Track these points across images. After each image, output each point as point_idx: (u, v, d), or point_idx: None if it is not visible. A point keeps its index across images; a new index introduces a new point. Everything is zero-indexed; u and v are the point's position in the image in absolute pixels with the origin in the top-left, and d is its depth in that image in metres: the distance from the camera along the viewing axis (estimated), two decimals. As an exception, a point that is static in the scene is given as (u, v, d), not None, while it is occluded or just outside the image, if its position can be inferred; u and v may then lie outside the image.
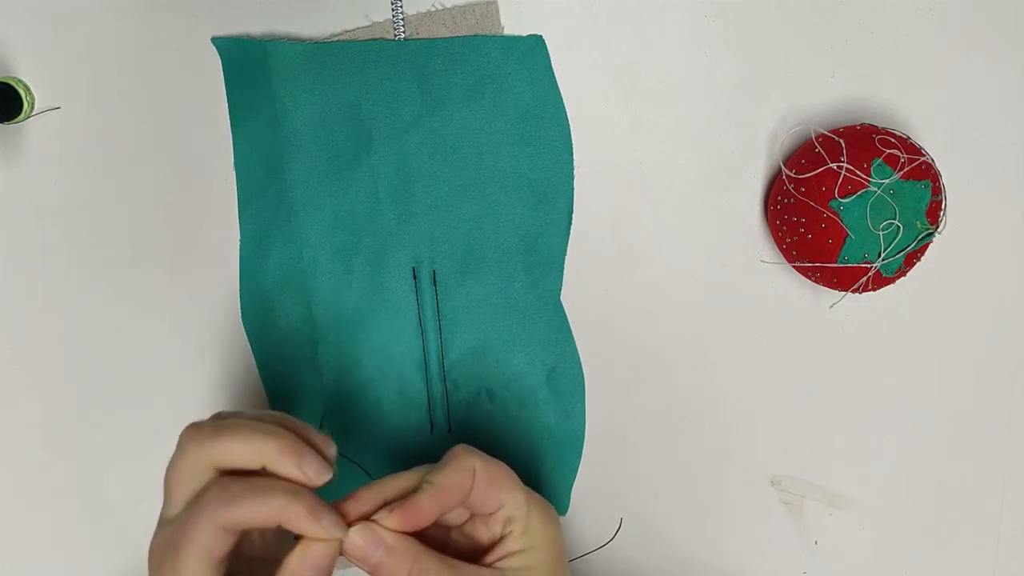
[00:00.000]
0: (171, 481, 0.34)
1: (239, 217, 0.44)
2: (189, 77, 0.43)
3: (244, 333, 0.45)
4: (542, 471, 0.45)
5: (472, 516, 0.37)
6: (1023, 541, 0.47)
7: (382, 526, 0.33)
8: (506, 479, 0.36)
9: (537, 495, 0.37)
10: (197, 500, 0.33)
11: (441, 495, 0.34)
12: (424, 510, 0.33)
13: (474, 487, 0.35)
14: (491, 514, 0.36)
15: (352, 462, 0.45)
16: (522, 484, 0.36)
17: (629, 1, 0.44)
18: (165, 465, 0.45)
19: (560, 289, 0.45)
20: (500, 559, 0.35)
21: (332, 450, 0.34)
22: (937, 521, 0.47)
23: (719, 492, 0.46)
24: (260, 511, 0.31)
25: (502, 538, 0.36)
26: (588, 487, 0.46)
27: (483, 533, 0.37)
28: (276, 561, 0.32)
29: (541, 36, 0.43)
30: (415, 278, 0.44)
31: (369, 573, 0.33)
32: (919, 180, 0.40)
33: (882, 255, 0.40)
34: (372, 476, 0.45)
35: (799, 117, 0.44)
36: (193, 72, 0.43)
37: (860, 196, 0.39)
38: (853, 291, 0.41)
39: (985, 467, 0.47)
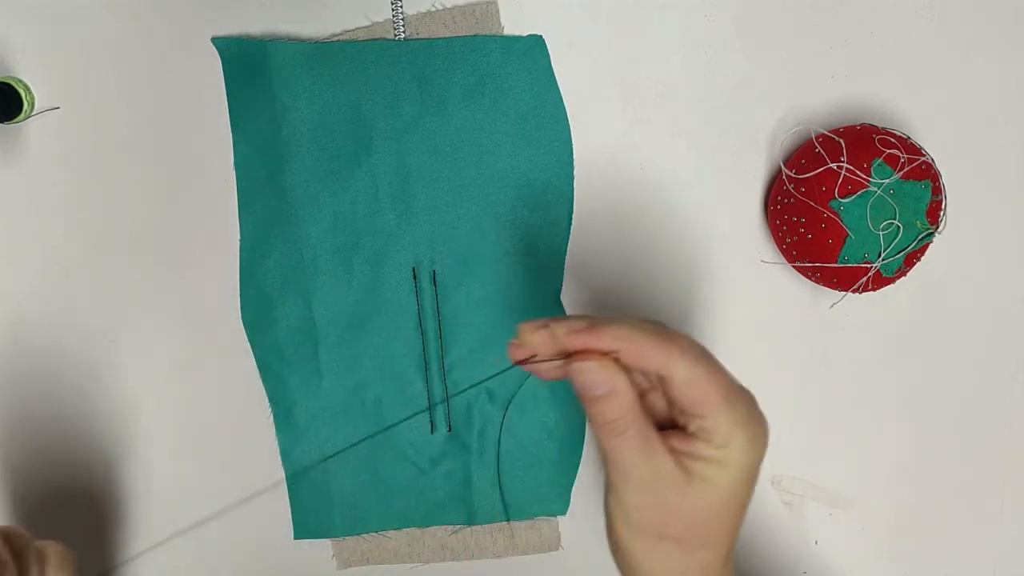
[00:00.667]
0: None
1: (239, 217, 0.44)
2: (189, 77, 0.43)
3: (244, 333, 0.45)
4: (542, 471, 0.45)
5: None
6: (1023, 541, 0.47)
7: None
8: (713, 396, 0.32)
9: (751, 414, 0.33)
10: None
11: (628, 347, 0.32)
12: (598, 337, 0.32)
13: (671, 382, 0.32)
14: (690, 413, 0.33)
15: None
16: (736, 401, 0.32)
17: (629, 1, 0.44)
18: (165, 465, 0.45)
19: (560, 289, 0.45)
20: (688, 455, 0.32)
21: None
22: (937, 521, 0.47)
23: (719, 492, 0.46)
24: None
25: (694, 435, 0.33)
26: (588, 487, 0.46)
27: (678, 416, 0.34)
28: None
29: (541, 36, 0.43)
30: (415, 278, 0.44)
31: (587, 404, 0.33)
32: (919, 180, 0.40)
33: (882, 255, 0.40)
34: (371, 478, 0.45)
35: (799, 117, 0.44)
36: (193, 72, 0.43)
37: (860, 196, 0.39)
38: (853, 291, 0.41)
39: (985, 467, 0.47)
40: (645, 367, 0.32)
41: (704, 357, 0.33)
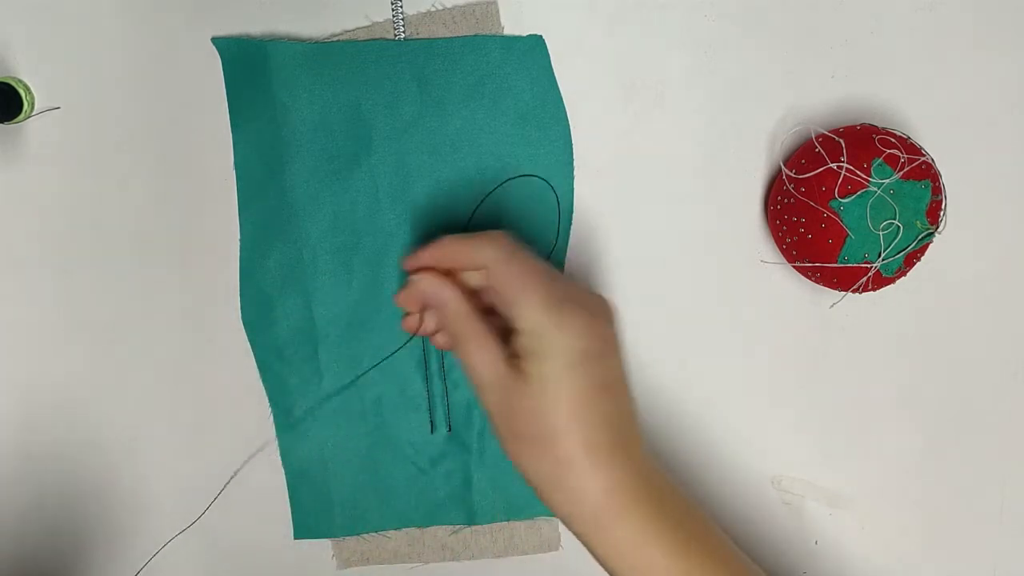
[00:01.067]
0: None
1: (239, 217, 0.44)
2: (189, 77, 0.43)
3: (244, 333, 0.45)
4: (542, 471, 0.45)
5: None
6: (1023, 541, 0.47)
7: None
8: (515, 280, 0.35)
9: (563, 300, 0.35)
10: None
11: (440, 255, 0.37)
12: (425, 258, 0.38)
13: (489, 277, 0.36)
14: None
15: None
16: (541, 287, 0.35)
17: (629, 1, 0.44)
18: (165, 465, 0.45)
19: (560, 289, 0.45)
20: (516, 354, 0.35)
21: None
22: (937, 521, 0.47)
23: (719, 492, 0.46)
24: None
25: (516, 332, 0.35)
26: (588, 487, 0.46)
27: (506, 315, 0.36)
28: None
29: (541, 36, 0.43)
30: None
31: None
32: (919, 180, 0.40)
33: (882, 255, 0.40)
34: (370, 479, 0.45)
35: (799, 117, 0.44)
36: (193, 72, 0.43)
37: (860, 196, 0.39)
38: (853, 291, 0.41)
39: (985, 467, 0.47)
40: (460, 264, 0.37)
41: (512, 248, 0.36)
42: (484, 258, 0.36)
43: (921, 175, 0.40)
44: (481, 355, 0.36)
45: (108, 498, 0.45)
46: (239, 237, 0.44)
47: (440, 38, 0.43)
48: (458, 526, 0.46)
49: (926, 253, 0.41)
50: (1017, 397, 0.47)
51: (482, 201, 0.44)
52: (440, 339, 0.39)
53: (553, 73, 0.44)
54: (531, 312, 0.34)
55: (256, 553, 0.46)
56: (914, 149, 0.40)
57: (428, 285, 0.37)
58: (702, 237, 0.45)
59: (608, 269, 0.45)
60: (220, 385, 0.45)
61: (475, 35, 0.43)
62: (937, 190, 0.40)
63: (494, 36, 0.43)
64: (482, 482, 0.45)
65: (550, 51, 0.44)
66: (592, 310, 0.36)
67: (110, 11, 0.43)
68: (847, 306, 0.45)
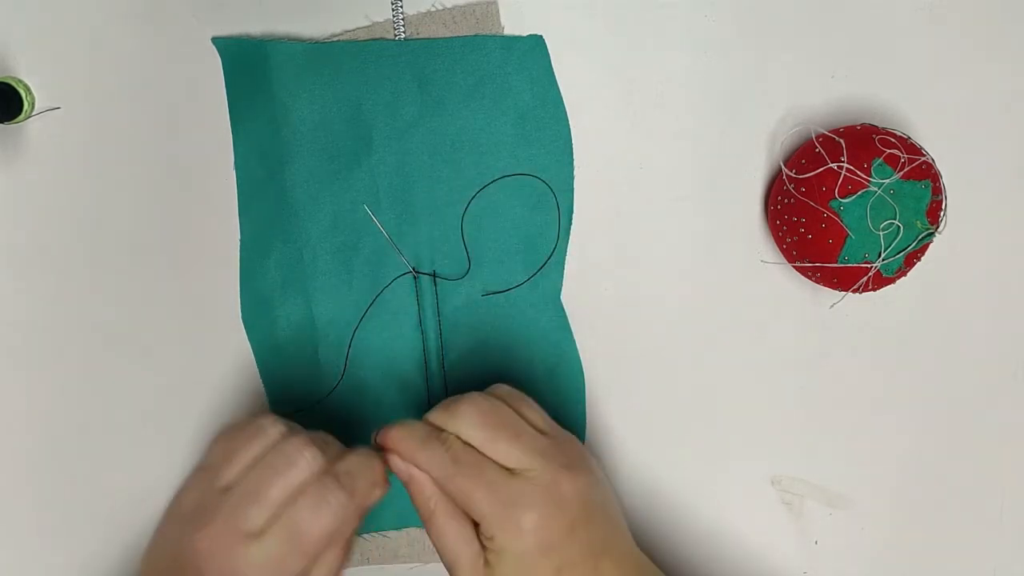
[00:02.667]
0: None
1: (239, 217, 0.44)
2: (189, 77, 0.43)
3: (244, 333, 0.45)
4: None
5: None
6: (1023, 541, 0.47)
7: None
8: (467, 503, 0.35)
9: (516, 503, 0.35)
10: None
11: (395, 441, 0.37)
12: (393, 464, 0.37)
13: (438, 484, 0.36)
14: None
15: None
16: (496, 493, 0.35)
17: (629, 1, 0.44)
18: (165, 465, 0.45)
19: (560, 289, 0.45)
20: (482, 543, 0.36)
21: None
22: (937, 521, 0.47)
23: (719, 492, 0.46)
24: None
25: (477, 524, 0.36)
26: (588, 487, 0.46)
27: None
28: None
29: (541, 36, 0.43)
30: (415, 278, 0.44)
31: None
32: (919, 180, 0.40)
33: (882, 255, 0.40)
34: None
35: (799, 117, 0.44)
36: (193, 72, 0.43)
37: (860, 196, 0.39)
38: (853, 291, 0.41)
39: (985, 467, 0.47)
40: (415, 463, 0.36)
41: (454, 456, 0.36)
42: (428, 467, 0.36)
43: (921, 175, 0.40)
44: (449, 536, 0.36)
45: (108, 498, 0.45)
46: (239, 237, 0.44)
47: (440, 38, 0.43)
48: (458, 526, 0.46)
49: (926, 253, 0.41)
50: (1017, 397, 0.47)
51: (473, 197, 0.44)
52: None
53: (553, 73, 0.44)
54: (481, 519, 0.35)
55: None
56: (914, 149, 0.40)
57: (399, 464, 0.37)
58: (702, 237, 0.45)
59: (608, 269, 0.45)
60: (220, 385, 0.45)
61: (475, 35, 0.43)
62: (937, 190, 0.40)
63: (494, 36, 0.43)
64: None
65: (550, 51, 0.44)
66: (553, 501, 0.35)
67: (110, 11, 0.43)
68: (847, 306, 0.45)
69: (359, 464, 0.37)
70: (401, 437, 0.37)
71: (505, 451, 0.36)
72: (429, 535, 0.37)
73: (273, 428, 0.37)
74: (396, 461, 0.37)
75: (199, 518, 0.35)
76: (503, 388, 0.39)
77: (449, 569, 0.37)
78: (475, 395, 0.38)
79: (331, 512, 0.35)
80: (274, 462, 0.35)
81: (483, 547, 0.36)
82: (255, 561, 0.34)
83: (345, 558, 0.37)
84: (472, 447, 0.36)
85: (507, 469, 0.36)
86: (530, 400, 0.39)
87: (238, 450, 0.36)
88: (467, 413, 0.37)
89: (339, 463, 0.36)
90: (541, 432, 0.37)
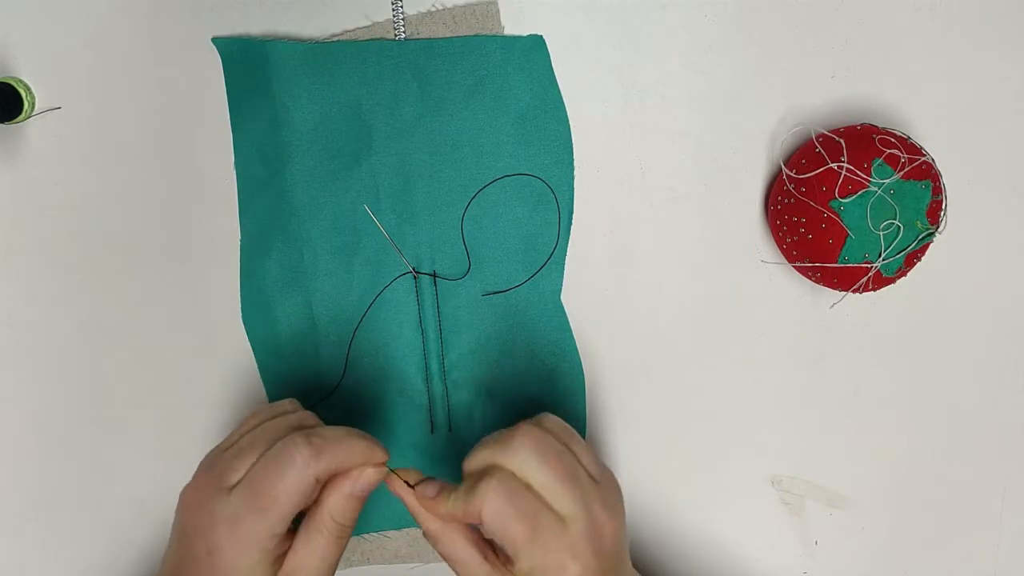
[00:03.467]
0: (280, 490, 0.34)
1: (239, 217, 0.44)
2: (189, 77, 0.43)
3: (244, 333, 0.45)
4: (542, 471, 0.45)
5: None
6: (1023, 541, 0.47)
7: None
8: (511, 547, 0.34)
9: (548, 548, 0.34)
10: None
11: (444, 512, 0.36)
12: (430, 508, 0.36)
13: (484, 527, 0.35)
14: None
15: None
16: (532, 536, 0.34)
17: (629, 1, 0.44)
18: (165, 465, 0.45)
19: (560, 289, 0.45)
20: None
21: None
22: (937, 521, 0.47)
23: (719, 492, 0.46)
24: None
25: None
26: (588, 487, 0.46)
27: None
28: None
29: (541, 36, 0.43)
30: (415, 278, 0.44)
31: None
32: (919, 180, 0.40)
33: (882, 255, 0.40)
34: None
35: (799, 117, 0.45)
36: (193, 72, 0.43)
37: (860, 196, 0.39)
38: (853, 291, 0.41)
39: (985, 467, 0.47)
40: (464, 519, 0.35)
41: (505, 498, 0.34)
42: (478, 513, 0.35)
43: (921, 175, 0.40)
44: (461, 563, 0.36)
45: (107, 498, 0.45)
46: (239, 237, 0.44)
47: (440, 38, 0.43)
48: (458, 526, 0.46)
49: (926, 253, 0.41)
50: (1017, 397, 0.47)
51: (473, 197, 0.44)
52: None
53: (553, 73, 0.44)
54: (522, 559, 0.34)
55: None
56: (914, 149, 0.40)
57: (442, 548, 0.36)
58: (702, 237, 0.45)
59: (608, 269, 0.45)
60: (220, 385, 0.45)
61: (475, 35, 0.43)
62: (937, 190, 0.40)
63: (494, 36, 0.43)
64: (482, 482, 0.45)
65: (550, 51, 0.44)
66: (593, 543, 0.34)
67: (110, 11, 0.43)
68: (847, 306, 0.45)
69: (340, 434, 0.35)
70: (449, 500, 0.36)
71: (561, 496, 0.35)
72: (436, 550, 0.37)
73: (291, 405, 0.38)
74: (441, 542, 0.36)
75: (200, 484, 0.35)
76: (552, 420, 0.38)
77: None
78: (531, 429, 0.36)
79: (293, 468, 0.33)
80: (270, 425, 0.36)
81: (502, 565, 0.35)
82: (222, 514, 0.33)
83: (337, 545, 0.35)
84: (527, 486, 0.35)
85: (557, 514, 0.34)
86: (578, 436, 0.38)
87: (250, 418, 0.38)
88: (527, 448, 0.35)
89: (317, 427, 0.36)
90: (591, 476, 0.36)
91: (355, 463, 0.35)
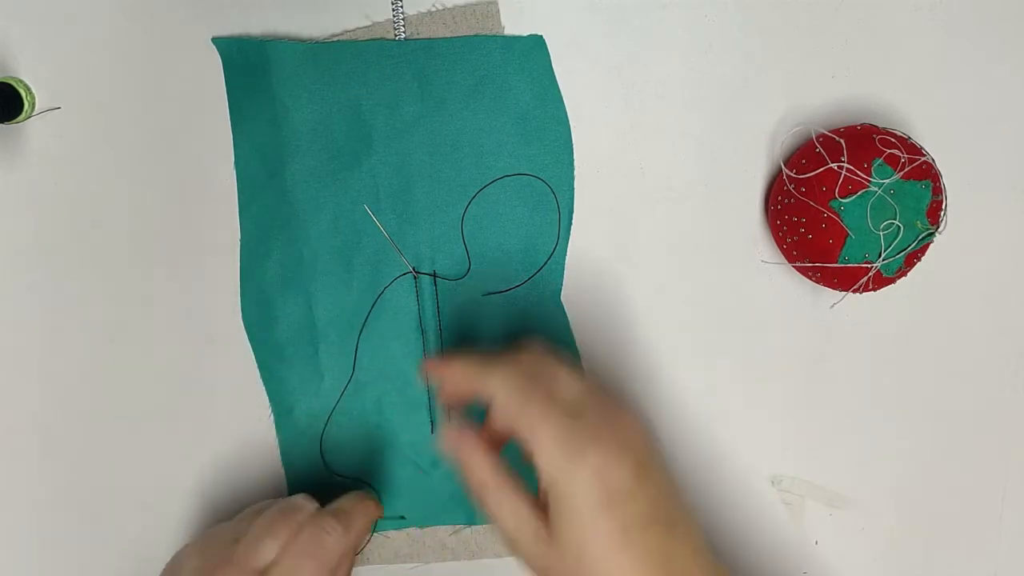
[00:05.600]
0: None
1: (239, 217, 0.44)
2: (189, 77, 0.43)
3: (244, 333, 0.45)
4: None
5: None
6: (1023, 541, 0.47)
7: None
8: (530, 435, 0.33)
9: (581, 446, 0.32)
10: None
11: (448, 378, 0.38)
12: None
13: (496, 414, 0.35)
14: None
15: (344, 478, 0.45)
16: (555, 433, 0.33)
17: (629, 1, 0.44)
18: (166, 465, 0.45)
19: (560, 289, 0.45)
20: (543, 504, 0.33)
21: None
22: (937, 521, 0.47)
23: (719, 492, 0.46)
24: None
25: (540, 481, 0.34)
26: (588, 487, 0.46)
27: None
28: None
29: (541, 36, 0.43)
30: (415, 278, 0.44)
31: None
32: (919, 180, 0.40)
33: (882, 255, 0.40)
34: (370, 485, 0.45)
35: (799, 117, 0.44)
36: (193, 72, 0.43)
37: (860, 196, 0.39)
38: (853, 291, 0.41)
39: (985, 467, 0.47)
40: (467, 392, 0.36)
41: (521, 382, 0.34)
42: (490, 392, 0.35)
43: (921, 175, 0.40)
44: (506, 516, 0.34)
45: (107, 498, 0.45)
46: (239, 237, 0.44)
47: (440, 38, 0.43)
48: (458, 526, 0.46)
49: (926, 253, 0.41)
50: (1017, 397, 0.47)
51: (473, 197, 0.44)
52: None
53: (553, 73, 0.44)
54: (543, 458, 0.32)
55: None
56: (914, 149, 0.40)
57: (449, 447, 0.36)
58: (702, 237, 0.45)
59: (608, 269, 0.45)
60: (220, 385, 0.45)
61: (475, 35, 0.43)
62: (937, 190, 0.40)
63: (494, 36, 0.43)
64: (482, 482, 0.45)
65: (550, 51, 0.44)
66: (617, 439, 0.33)
67: (110, 11, 0.43)
68: (847, 306, 0.45)
69: (353, 501, 0.41)
70: (457, 367, 0.37)
71: (566, 381, 0.34)
72: (485, 509, 0.35)
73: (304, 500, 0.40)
74: (450, 444, 0.36)
75: (213, 566, 0.37)
76: (529, 353, 0.38)
77: (509, 545, 0.35)
78: (505, 371, 0.36)
79: (331, 541, 0.38)
80: (277, 511, 0.38)
81: (542, 518, 0.33)
82: None
83: None
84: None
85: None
86: (559, 365, 0.37)
87: (245, 509, 0.41)
88: (529, 347, 0.37)
89: (334, 503, 0.40)
90: (571, 410, 0.34)
91: (370, 524, 0.41)
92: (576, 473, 0.32)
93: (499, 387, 0.35)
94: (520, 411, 0.34)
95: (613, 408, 0.34)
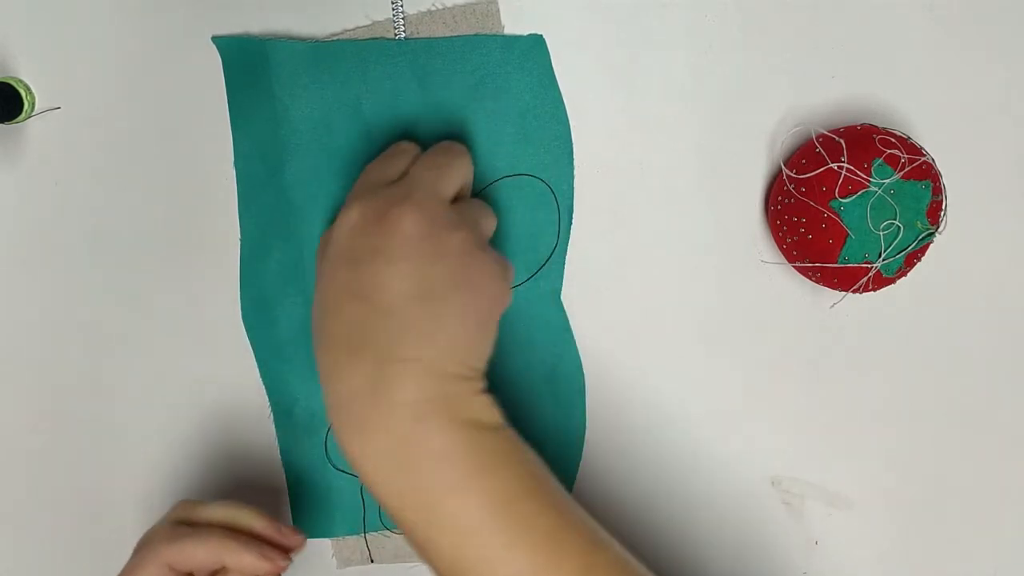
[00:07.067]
0: None
1: (239, 217, 0.44)
2: (189, 77, 0.43)
3: (244, 333, 0.45)
4: (542, 471, 0.45)
5: None
6: (1023, 541, 0.47)
7: None
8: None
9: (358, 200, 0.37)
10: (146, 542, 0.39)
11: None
12: None
13: None
14: None
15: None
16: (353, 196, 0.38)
17: (629, 1, 0.44)
18: (165, 465, 0.45)
19: (560, 289, 0.45)
20: None
21: (296, 540, 0.40)
22: (937, 521, 0.47)
23: (719, 492, 0.46)
24: (201, 548, 0.37)
25: None
26: (588, 487, 0.46)
27: None
28: None
29: (541, 36, 0.43)
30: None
31: None
32: (919, 180, 0.40)
33: (883, 255, 0.40)
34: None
35: (799, 117, 0.44)
36: (193, 72, 0.43)
37: (860, 196, 0.39)
38: (853, 291, 0.41)
39: (986, 467, 0.47)
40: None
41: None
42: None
43: (921, 175, 0.40)
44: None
45: (107, 498, 0.45)
46: (239, 237, 0.44)
47: (440, 38, 0.43)
48: (458, 526, 0.46)
49: (926, 253, 0.41)
50: (1017, 397, 0.47)
51: (473, 198, 0.44)
52: None
53: (553, 73, 0.44)
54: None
55: (256, 553, 0.46)
56: (914, 149, 0.40)
57: None
58: (702, 237, 0.45)
59: (608, 269, 0.45)
60: (220, 385, 0.45)
61: (475, 35, 0.43)
62: (937, 190, 0.40)
63: (494, 36, 0.43)
64: (482, 482, 0.45)
65: (550, 51, 0.44)
66: (389, 211, 0.35)
67: (110, 11, 0.43)
68: (847, 306, 0.45)
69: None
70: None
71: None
72: None
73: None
74: None
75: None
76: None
77: None
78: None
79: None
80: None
81: None
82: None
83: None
84: None
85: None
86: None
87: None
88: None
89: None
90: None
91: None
92: (341, 217, 0.36)
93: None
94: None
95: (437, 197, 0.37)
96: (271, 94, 0.43)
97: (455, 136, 0.44)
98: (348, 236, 0.35)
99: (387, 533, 0.46)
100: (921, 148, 0.40)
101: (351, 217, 0.36)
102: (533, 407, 0.45)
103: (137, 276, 0.44)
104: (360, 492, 0.45)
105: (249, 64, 0.43)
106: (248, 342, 0.45)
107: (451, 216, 0.36)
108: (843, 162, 0.39)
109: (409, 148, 0.40)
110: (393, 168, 0.38)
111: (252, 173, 0.44)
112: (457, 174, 0.38)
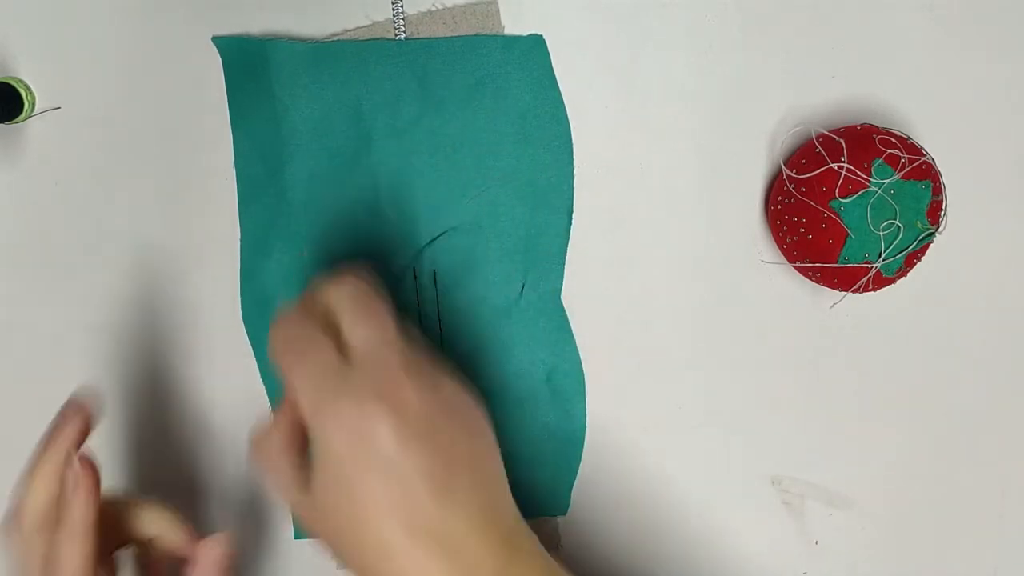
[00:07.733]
0: None
1: (239, 217, 0.44)
2: (189, 77, 0.43)
3: (244, 333, 0.45)
4: (542, 471, 0.45)
5: None
6: (1023, 541, 0.47)
7: None
8: (292, 393, 0.33)
9: (329, 398, 0.32)
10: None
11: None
12: None
13: None
14: None
15: None
16: (314, 397, 0.32)
17: (629, 1, 0.44)
18: (166, 465, 0.45)
19: (560, 289, 0.45)
20: None
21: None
22: (937, 521, 0.47)
23: (719, 492, 0.46)
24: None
25: None
26: (588, 487, 0.46)
27: None
28: None
29: (541, 36, 0.43)
30: (415, 278, 0.44)
31: None
32: (920, 180, 0.40)
33: (883, 255, 0.40)
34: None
35: (799, 117, 0.45)
36: (193, 72, 0.43)
37: (861, 196, 0.39)
38: (853, 291, 0.41)
39: (985, 467, 0.47)
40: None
41: (284, 338, 0.33)
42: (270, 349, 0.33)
43: (922, 175, 0.40)
44: (272, 459, 0.34)
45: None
46: (239, 237, 0.44)
47: (440, 38, 0.43)
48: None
49: (926, 253, 0.41)
50: (1017, 397, 0.47)
51: (473, 197, 0.44)
52: None
53: (553, 73, 0.44)
54: (306, 415, 0.31)
55: (256, 553, 0.46)
56: (914, 149, 0.40)
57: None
58: (702, 237, 0.45)
59: (608, 269, 0.45)
60: (220, 385, 0.45)
61: (475, 35, 0.43)
62: (937, 190, 0.40)
63: (494, 36, 0.43)
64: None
65: (550, 51, 0.44)
66: (377, 389, 0.31)
67: (110, 11, 0.43)
68: (847, 306, 0.45)
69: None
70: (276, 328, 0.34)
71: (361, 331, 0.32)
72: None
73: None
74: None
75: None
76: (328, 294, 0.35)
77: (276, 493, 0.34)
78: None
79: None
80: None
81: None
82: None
83: None
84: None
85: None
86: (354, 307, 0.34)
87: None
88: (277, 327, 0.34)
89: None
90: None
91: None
92: (325, 427, 0.31)
93: (272, 346, 0.33)
94: (284, 368, 0.33)
95: (401, 372, 0.32)
96: (271, 94, 0.43)
97: (455, 136, 0.44)
98: (346, 457, 0.31)
99: (387, 533, 0.46)
100: (921, 148, 0.40)
101: (328, 433, 0.31)
102: (533, 407, 0.45)
103: (137, 276, 0.44)
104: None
105: (249, 64, 0.43)
106: (248, 342, 0.45)
107: (421, 369, 0.33)
108: (843, 162, 0.39)
109: (309, 300, 0.35)
110: (318, 339, 0.33)
111: (252, 173, 0.44)
112: (386, 308, 0.34)
